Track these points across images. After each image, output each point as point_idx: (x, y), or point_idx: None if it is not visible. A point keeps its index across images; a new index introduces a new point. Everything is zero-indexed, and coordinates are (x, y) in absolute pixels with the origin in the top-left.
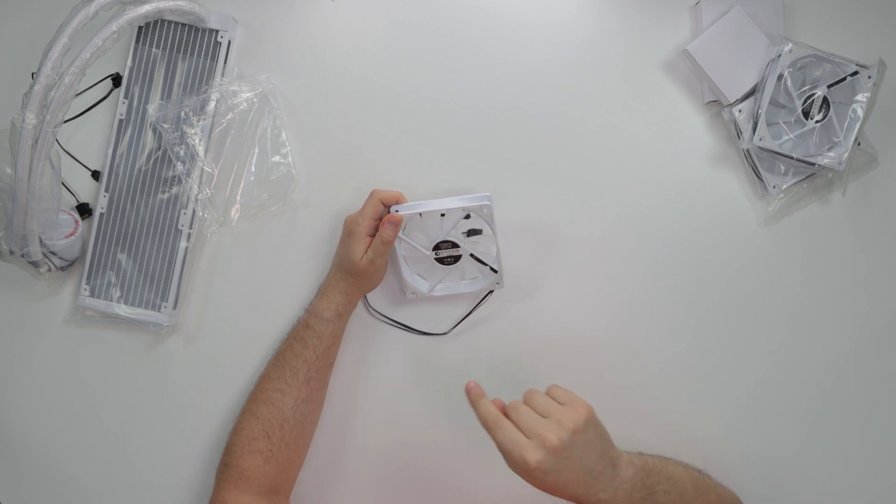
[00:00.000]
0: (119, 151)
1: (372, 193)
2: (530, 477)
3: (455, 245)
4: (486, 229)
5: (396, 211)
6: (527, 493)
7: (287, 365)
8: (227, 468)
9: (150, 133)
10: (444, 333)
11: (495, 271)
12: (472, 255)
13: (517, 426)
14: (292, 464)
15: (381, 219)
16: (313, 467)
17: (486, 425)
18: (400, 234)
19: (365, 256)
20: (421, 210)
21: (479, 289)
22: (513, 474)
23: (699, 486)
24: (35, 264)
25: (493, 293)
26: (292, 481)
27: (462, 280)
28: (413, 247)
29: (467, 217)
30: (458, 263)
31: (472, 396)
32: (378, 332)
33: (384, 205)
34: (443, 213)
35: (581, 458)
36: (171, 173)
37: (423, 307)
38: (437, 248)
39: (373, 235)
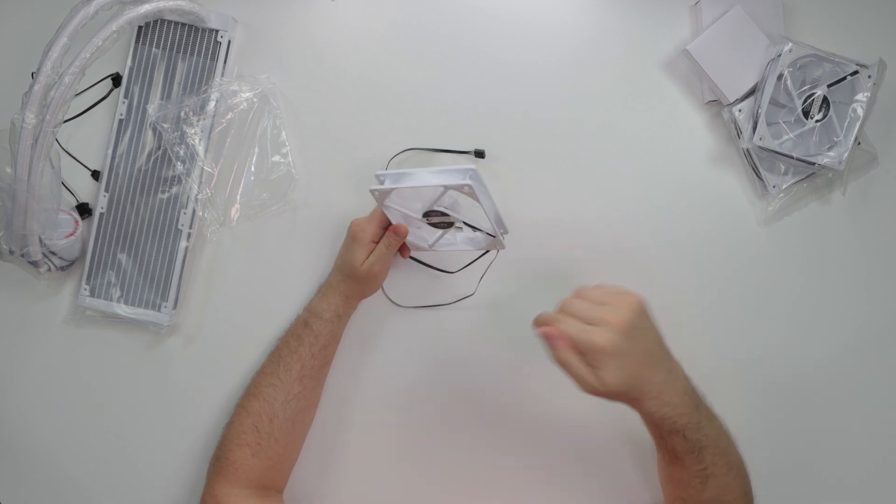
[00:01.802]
0: (119, 151)
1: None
2: (602, 364)
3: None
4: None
5: (382, 178)
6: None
7: (281, 361)
8: (217, 461)
9: (149, 133)
10: (454, 272)
11: (493, 236)
12: (465, 223)
13: (578, 318)
14: (282, 459)
15: (387, 227)
16: (309, 465)
17: (550, 320)
18: (386, 202)
19: (366, 262)
20: (400, 185)
21: (482, 248)
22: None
23: (731, 440)
24: (35, 264)
25: (498, 255)
26: (284, 478)
27: (464, 236)
28: (404, 213)
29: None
30: (454, 226)
31: (536, 323)
32: (377, 331)
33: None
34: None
35: (644, 339)
36: (171, 173)
37: (431, 284)
38: (427, 214)
39: (377, 242)
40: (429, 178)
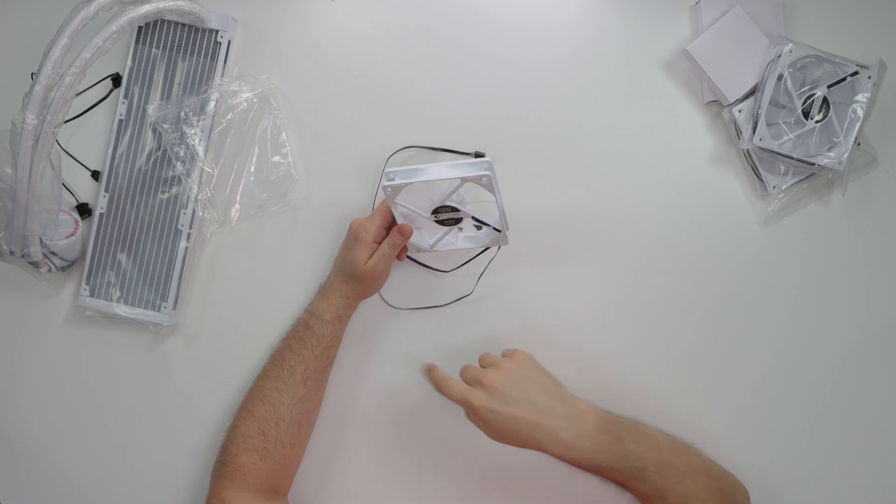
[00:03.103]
0: (119, 151)
1: (384, 201)
2: (483, 422)
3: (455, 209)
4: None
5: (392, 175)
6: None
7: (285, 364)
8: (223, 465)
9: (149, 133)
10: (448, 271)
11: (498, 230)
12: (473, 217)
13: (462, 380)
14: (288, 462)
15: (389, 227)
16: (312, 466)
17: (438, 386)
18: (396, 199)
19: (369, 262)
20: (414, 180)
21: (483, 245)
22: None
23: (676, 446)
24: (35, 265)
25: (498, 256)
26: (289, 480)
27: (465, 235)
28: (411, 211)
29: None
30: (461, 223)
31: (427, 371)
32: (376, 331)
33: None
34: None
35: (523, 392)
36: (171, 173)
37: (427, 284)
38: (436, 210)
39: (379, 242)
40: (444, 172)
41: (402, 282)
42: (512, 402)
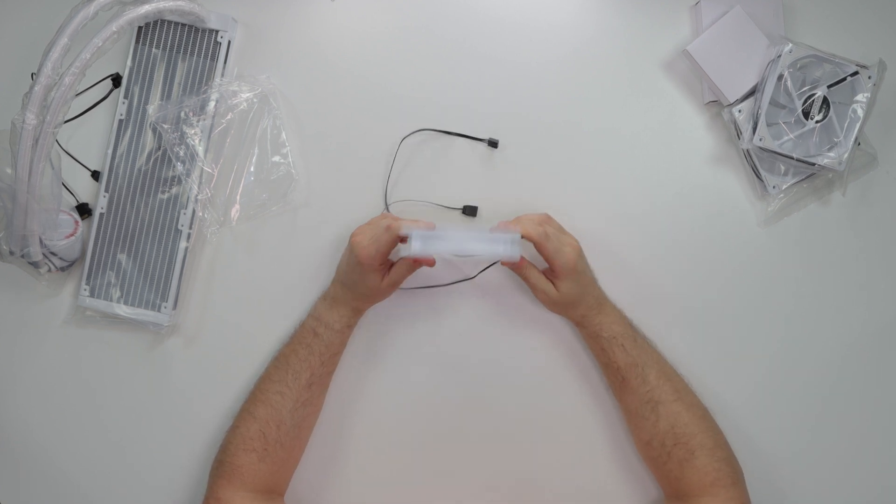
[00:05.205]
0: (119, 151)
1: (387, 228)
2: (564, 277)
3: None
4: None
5: (412, 245)
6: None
7: (290, 368)
8: (221, 465)
9: (149, 133)
10: (450, 284)
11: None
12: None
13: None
14: (287, 464)
15: (395, 243)
16: (310, 465)
17: (539, 237)
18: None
19: (385, 282)
20: (439, 251)
21: (495, 260)
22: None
23: (670, 370)
24: (35, 265)
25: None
26: (287, 481)
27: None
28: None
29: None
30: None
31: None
32: (379, 331)
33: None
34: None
35: (586, 267)
36: (171, 173)
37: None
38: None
39: (387, 264)
40: (472, 246)
41: None
42: (583, 271)
